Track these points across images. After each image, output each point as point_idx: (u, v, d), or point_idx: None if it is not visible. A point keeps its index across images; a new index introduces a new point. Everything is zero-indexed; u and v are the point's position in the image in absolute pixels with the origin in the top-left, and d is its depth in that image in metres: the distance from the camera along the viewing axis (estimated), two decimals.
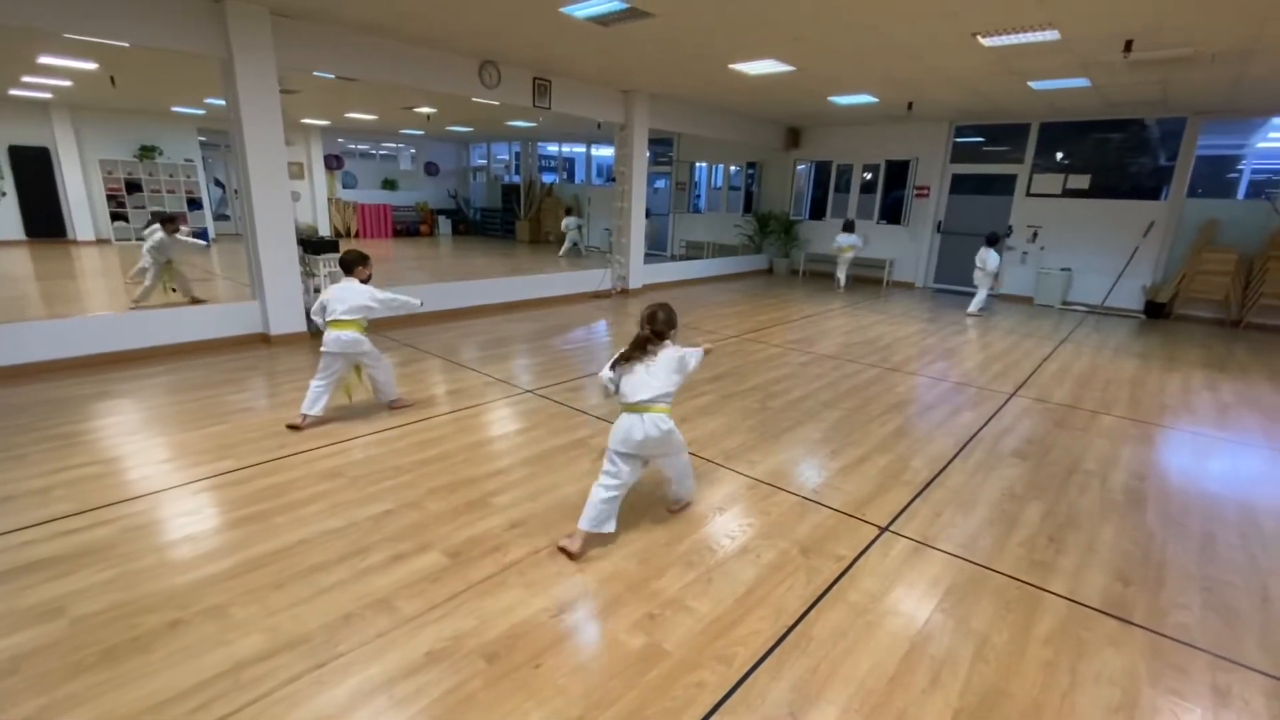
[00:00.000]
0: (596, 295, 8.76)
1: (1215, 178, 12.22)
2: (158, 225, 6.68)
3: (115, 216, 12.52)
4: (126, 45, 4.77)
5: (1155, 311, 8.57)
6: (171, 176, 13.02)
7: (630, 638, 2.01)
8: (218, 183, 15.32)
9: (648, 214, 12.48)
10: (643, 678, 1.84)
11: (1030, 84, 6.76)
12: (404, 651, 1.92)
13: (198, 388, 4.32)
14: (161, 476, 3.00)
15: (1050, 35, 4.89)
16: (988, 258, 8.05)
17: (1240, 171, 11.51)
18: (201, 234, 13.32)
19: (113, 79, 8.29)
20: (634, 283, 9.13)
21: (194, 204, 13.35)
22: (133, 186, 12.64)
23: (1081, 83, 6.55)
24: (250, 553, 2.40)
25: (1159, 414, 4.42)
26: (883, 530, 2.71)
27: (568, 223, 13.13)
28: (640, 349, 2.47)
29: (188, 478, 3.00)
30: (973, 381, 5.06)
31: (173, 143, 13.00)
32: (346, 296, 3.58)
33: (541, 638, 2.00)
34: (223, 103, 5.17)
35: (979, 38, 5.08)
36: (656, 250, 13.81)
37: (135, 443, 3.39)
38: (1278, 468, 3.58)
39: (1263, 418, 4.44)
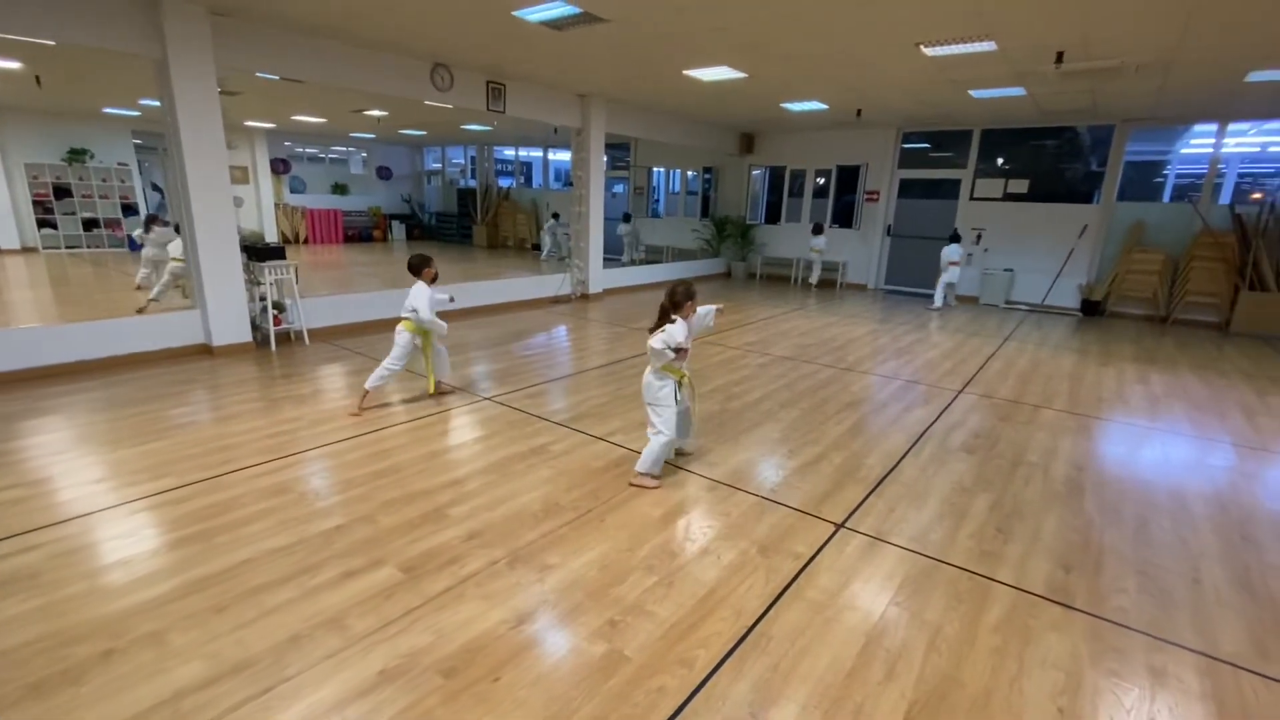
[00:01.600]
0: (556, 300, 8.70)
1: (1144, 182, 12.94)
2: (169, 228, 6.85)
3: (42, 224, 11.83)
4: (53, 43, 4.52)
5: (1091, 309, 9.01)
6: (104, 181, 12.39)
7: (591, 645, 1.99)
8: (155, 187, 14.65)
9: (627, 218, 12.57)
10: (604, 685, 1.83)
11: (971, 93, 7.03)
12: (356, 671, 1.85)
13: (134, 403, 4.10)
14: (93, 498, 2.84)
15: (988, 46, 5.09)
16: (950, 252, 8.81)
17: (1166, 176, 12.24)
18: (131, 242, 12.72)
19: (38, 79, 7.84)
20: (594, 287, 9.10)
21: (129, 210, 12.73)
22: (62, 191, 11.98)
23: (1018, 92, 6.85)
24: (189, 575, 2.29)
25: (1095, 406, 4.64)
26: (839, 527, 2.76)
27: (550, 225, 13.14)
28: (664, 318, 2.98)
29: (122, 498, 2.84)
30: (923, 379, 5.21)
31: (105, 145, 12.36)
32: (409, 297, 4.03)
33: (500, 650, 1.96)
34: (159, 103, 4.94)
35: (922, 48, 5.25)
36: (615, 254, 13.82)
37: (65, 462, 3.20)
38: (1204, 455, 3.80)
39: (1190, 408, 4.71)
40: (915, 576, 2.42)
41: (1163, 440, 4.01)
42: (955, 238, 9.02)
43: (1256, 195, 8.82)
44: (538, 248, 15.35)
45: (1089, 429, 4.16)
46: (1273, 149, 12.07)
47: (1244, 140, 11.42)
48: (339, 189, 16.95)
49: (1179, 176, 11.39)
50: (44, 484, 2.97)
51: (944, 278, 8.99)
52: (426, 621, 2.08)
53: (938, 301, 9.03)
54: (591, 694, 1.79)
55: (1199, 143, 9.83)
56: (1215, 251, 8.15)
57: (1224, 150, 8.66)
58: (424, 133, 14.24)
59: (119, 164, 12.54)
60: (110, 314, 5.64)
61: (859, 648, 2.01)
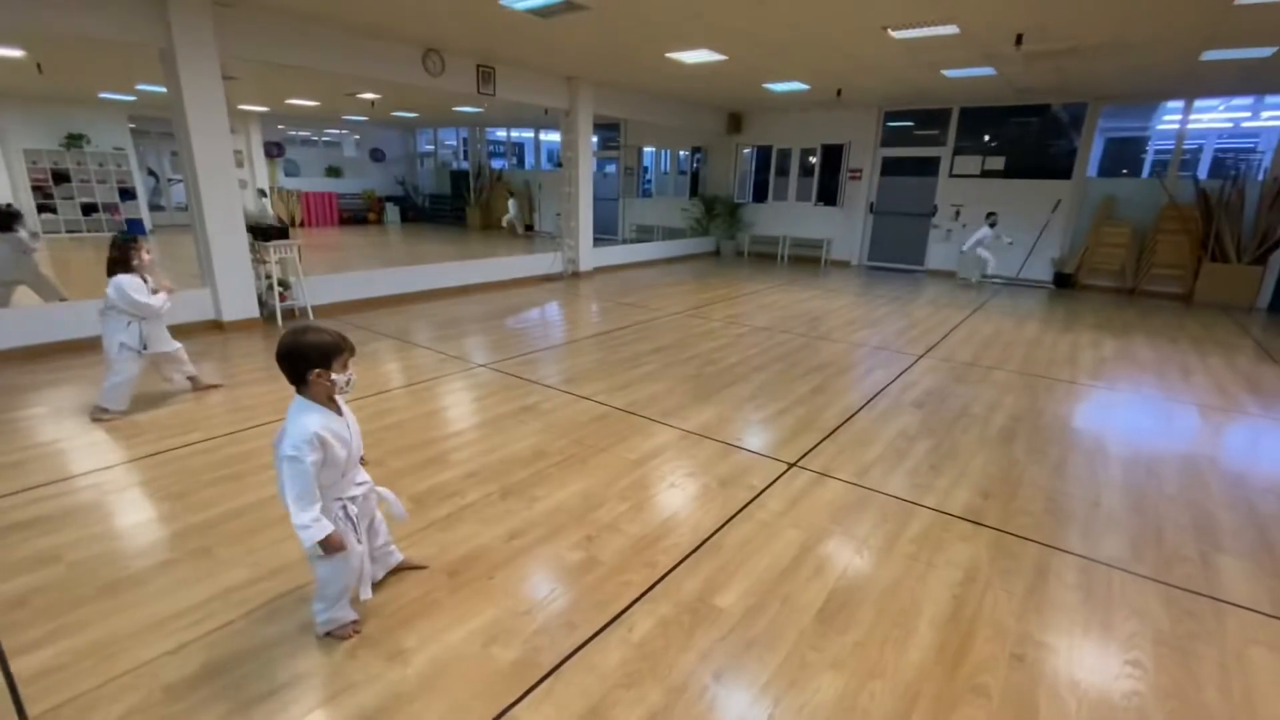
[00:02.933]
0: (548, 278, 9.03)
1: (1125, 158, 13.28)
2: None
3: (43, 208, 12.05)
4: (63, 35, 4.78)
5: (1063, 282, 9.37)
6: (101, 166, 12.58)
7: (571, 554, 2.37)
8: (150, 172, 14.82)
9: (648, 193, 13.33)
10: (580, 581, 2.21)
11: (943, 73, 7.31)
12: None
13: (153, 371, 4.44)
14: (133, 448, 3.20)
15: (950, 29, 5.39)
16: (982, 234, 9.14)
17: (1147, 152, 12.57)
18: (136, 225, 12.96)
19: (39, 66, 8.05)
20: (584, 265, 9.42)
21: (126, 194, 12.94)
22: (60, 177, 12.18)
23: (988, 71, 7.13)
24: (228, 506, 2.66)
25: (1045, 368, 5.02)
26: (791, 466, 3.14)
27: (510, 204, 14.98)
28: None
29: (159, 448, 3.20)
30: (888, 346, 5.59)
31: (102, 131, 12.53)
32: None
33: (495, 558, 2.34)
34: (156, 89, 5.22)
35: (889, 31, 5.54)
36: (608, 234, 14.11)
37: (100, 421, 3.55)
38: (1133, 408, 4.19)
39: (1133, 368, 5.10)
40: (852, 504, 2.80)
41: (1100, 397, 4.40)
42: (992, 221, 9.19)
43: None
44: (530, 228, 15.64)
45: (1034, 387, 4.54)
46: (1245, 125, 12.38)
47: (1217, 116, 11.73)
48: (333, 172, 17.13)
49: (1158, 152, 11.72)
50: (82, 438, 3.32)
51: (981, 252, 9.27)
52: (433, 538, 2.45)
53: (990, 268, 9.37)
54: (570, 587, 2.18)
55: (1171, 119, 10.14)
56: (1180, 225, 8.50)
57: (1199, 126, 8.95)
58: (416, 115, 14.42)
59: (115, 149, 12.71)
60: None
61: (794, 554, 2.40)
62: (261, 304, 5.93)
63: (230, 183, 5.45)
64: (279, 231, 6.00)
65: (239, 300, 5.69)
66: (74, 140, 12.21)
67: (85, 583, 2.16)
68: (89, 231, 12.55)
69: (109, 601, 2.07)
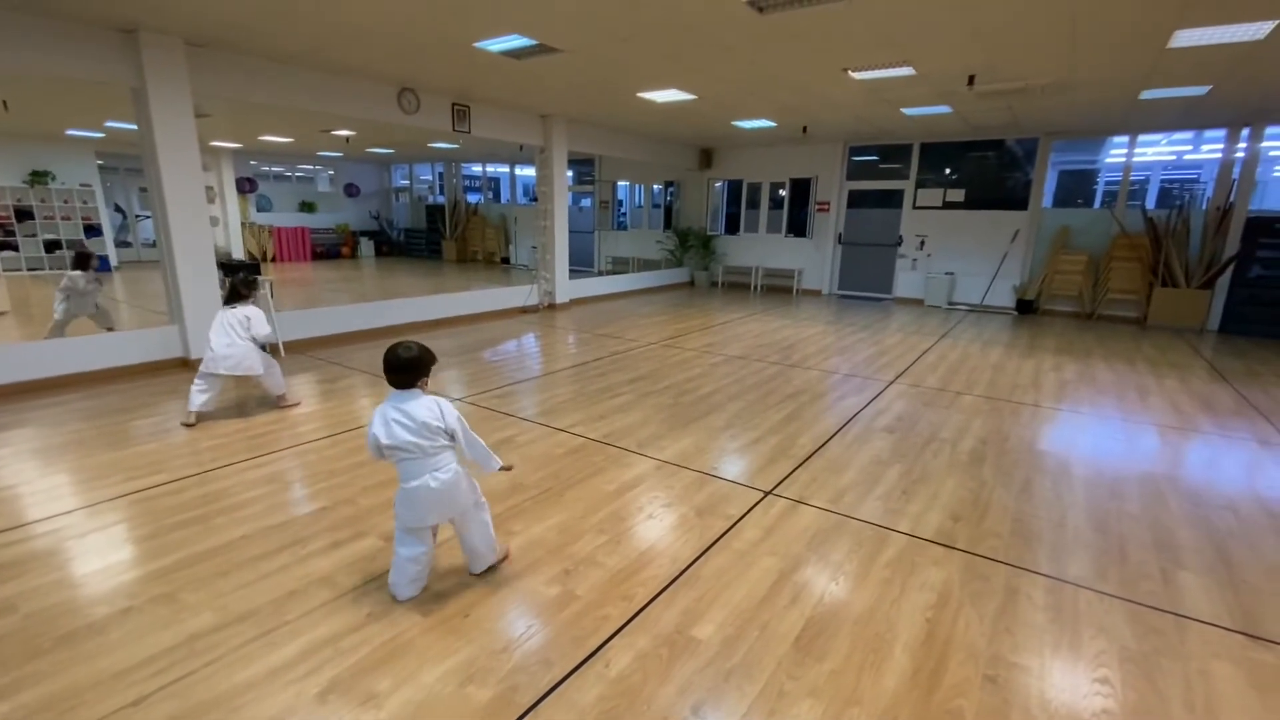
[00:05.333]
0: (524, 310, 9.06)
1: (1078, 190, 13.91)
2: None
3: (3, 245, 11.77)
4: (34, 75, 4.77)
5: (1025, 308, 9.69)
6: (66, 203, 12.37)
7: (548, 589, 2.36)
8: (118, 208, 14.62)
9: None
10: (557, 616, 2.20)
11: (903, 110, 7.64)
12: (347, 615, 2.19)
13: (118, 411, 4.34)
14: (95, 491, 3.10)
15: (907, 71, 5.66)
16: None
17: (1098, 184, 13.19)
18: (102, 263, 12.71)
19: (5, 104, 7.96)
20: (560, 298, 9.48)
21: (92, 231, 12.72)
22: (23, 214, 11.94)
23: (944, 109, 7.47)
24: (194, 549, 2.59)
25: (1010, 392, 5.16)
26: (767, 494, 3.18)
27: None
28: None
29: (122, 491, 3.12)
30: (859, 373, 5.70)
31: (68, 167, 12.37)
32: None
33: (470, 595, 2.31)
34: (126, 125, 5.20)
35: (850, 72, 5.80)
36: (584, 266, 14.24)
37: (62, 462, 3.45)
38: (1095, 429, 4.32)
39: (1093, 390, 5.27)
40: (827, 530, 2.83)
41: (1063, 419, 4.54)
42: None
43: None
44: (507, 260, 15.71)
45: (1000, 411, 4.66)
46: (1187, 157, 13.08)
47: (1161, 150, 12.39)
48: (306, 207, 17.06)
49: (1108, 184, 12.31)
50: (43, 480, 3.22)
51: None
52: None
53: None
54: (547, 622, 2.16)
55: (1118, 153, 10.68)
56: (1131, 252, 8.89)
57: (1144, 159, 9.44)
58: (392, 151, 14.51)
59: (82, 185, 12.53)
60: (88, 331, 5.82)
61: (771, 582, 2.41)
62: None
63: (201, 220, 5.42)
64: (251, 267, 5.95)
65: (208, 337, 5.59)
66: (38, 177, 12.02)
67: (42, 633, 2.08)
68: (52, 269, 12.27)
69: (67, 652, 1.99)
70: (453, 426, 2.20)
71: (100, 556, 2.55)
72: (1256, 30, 4.36)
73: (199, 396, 4.15)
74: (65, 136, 11.56)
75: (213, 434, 3.92)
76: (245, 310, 4.28)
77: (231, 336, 4.20)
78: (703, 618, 2.19)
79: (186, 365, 5.51)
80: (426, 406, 2.17)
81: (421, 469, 2.16)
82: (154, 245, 8.90)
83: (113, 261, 13.09)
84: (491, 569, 2.45)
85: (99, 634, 2.08)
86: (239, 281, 4.35)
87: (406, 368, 2.17)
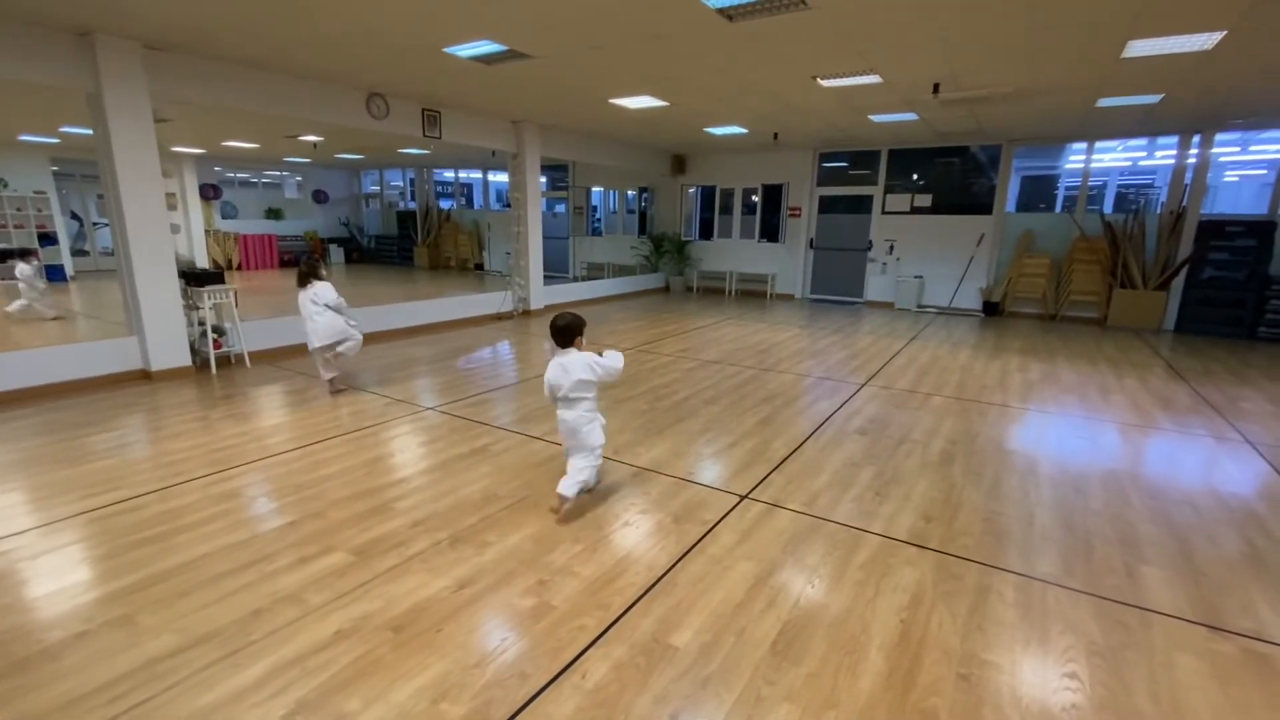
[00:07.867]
0: (499, 317, 8.98)
1: (1040, 194, 14.29)
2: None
3: None
4: None
5: (991, 310, 9.92)
6: (20, 210, 11.93)
7: (523, 600, 2.33)
8: (74, 215, 14.13)
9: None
10: (533, 628, 2.17)
11: (871, 117, 7.77)
12: (314, 633, 2.13)
13: (75, 426, 4.17)
14: (50, 510, 2.98)
15: (874, 79, 5.76)
16: None
17: (1059, 189, 13.56)
18: (57, 271, 12.27)
19: None
20: (535, 304, 9.42)
21: (47, 239, 12.27)
22: None
23: (911, 116, 7.63)
24: (154, 569, 2.50)
25: (978, 392, 5.27)
26: (742, 498, 3.18)
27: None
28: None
29: (79, 509, 3.00)
30: (833, 376, 5.77)
31: (21, 173, 11.93)
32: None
33: (443, 609, 2.27)
34: (82, 131, 5.04)
35: (818, 80, 5.88)
36: (559, 272, 14.19)
37: (17, 479, 3.30)
38: (1059, 428, 4.43)
39: (1058, 390, 5.40)
40: (802, 533, 2.85)
41: (1029, 418, 4.64)
42: None
43: None
44: (480, 267, 15.58)
45: (969, 411, 4.75)
46: (1143, 163, 13.55)
47: (1117, 156, 12.80)
48: (273, 214, 16.71)
49: (1068, 189, 12.69)
50: (8, 494, 3.08)
51: None
52: (377, 591, 2.36)
53: None
54: (522, 634, 2.13)
55: (1077, 158, 11.02)
56: (1091, 255, 9.16)
57: (1102, 165, 9.75)
58: (362, 156, 14.30)
59: (36, 192, 12.10)
60: (45, 342, 5.60)
61: (748, 587, 2.41)
62: (194, 351, 5.68)
63: (161, 227, 5.27)
64: (214, 276, 5.80)
65: (169, 348, 5.43)
66: None
67: None
68: (2, 279, 11.78)
69: (19, 679, 1.90)
70: (598, 375, 2.96)
71: (55, 578, 2.44)
72: (1204, 40, 4.54)
73: (324, 371, 4.92)
74: (18, 142, 11.16)
75: (173, 449, 3.79)
76: (314, 288, 4.77)
77: (309, 313, 4.76)
78: (680, 625, 2.18)
79: (147, 377, 5.34)
80: (579, 361, 2.92)
81: (570, 407, 2.94)
82: (112, 254, 8.60)
83: (68, 270, 12.66)
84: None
85: (53, 660, 1.99)
86: (303, 266, 4.90)
87: (564, 331, 2.95)
